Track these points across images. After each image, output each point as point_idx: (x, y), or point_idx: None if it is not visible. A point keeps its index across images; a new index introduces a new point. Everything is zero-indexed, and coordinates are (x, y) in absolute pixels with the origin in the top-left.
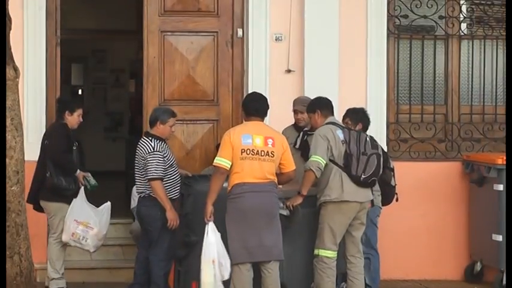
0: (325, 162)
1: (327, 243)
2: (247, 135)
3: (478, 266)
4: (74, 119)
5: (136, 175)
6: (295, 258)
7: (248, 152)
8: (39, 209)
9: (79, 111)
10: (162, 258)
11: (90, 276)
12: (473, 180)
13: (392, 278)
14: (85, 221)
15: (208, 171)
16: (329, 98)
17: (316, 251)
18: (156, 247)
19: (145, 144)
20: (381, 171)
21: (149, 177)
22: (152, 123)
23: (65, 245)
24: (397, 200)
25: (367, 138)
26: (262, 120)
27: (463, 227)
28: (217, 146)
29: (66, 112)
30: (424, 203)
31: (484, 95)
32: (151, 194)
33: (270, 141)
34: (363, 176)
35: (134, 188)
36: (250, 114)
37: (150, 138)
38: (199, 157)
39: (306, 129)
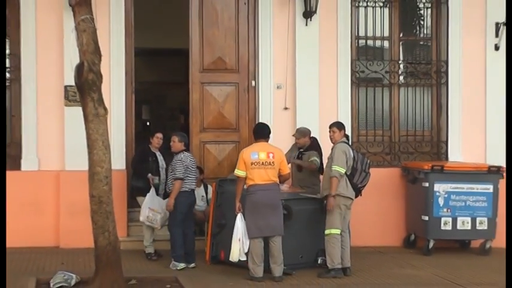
0: (344, 170)
1: (337, 223)
2: (254, 152)
3: (412, 237)
4: (154, 140)
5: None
6: (291, 240)
7: (256, 164)
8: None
9: (156, 135)
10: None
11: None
12: (409, 180)
13: (355, 245)
14: (155, 208)
15: (232, 175)
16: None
17: (327, 231)
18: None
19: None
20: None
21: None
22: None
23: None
24: (361, 194)
25: (368, 161)
26: (267, 141)
27: (402, 211)
28: None
29: (150, 137)
30: (376, 195)
31: (415, 123)
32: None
33: (271, 155)
34: (359, 185)
35: None
36: (259, 137)
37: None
38: (226, 166)
39: (301, 150)
